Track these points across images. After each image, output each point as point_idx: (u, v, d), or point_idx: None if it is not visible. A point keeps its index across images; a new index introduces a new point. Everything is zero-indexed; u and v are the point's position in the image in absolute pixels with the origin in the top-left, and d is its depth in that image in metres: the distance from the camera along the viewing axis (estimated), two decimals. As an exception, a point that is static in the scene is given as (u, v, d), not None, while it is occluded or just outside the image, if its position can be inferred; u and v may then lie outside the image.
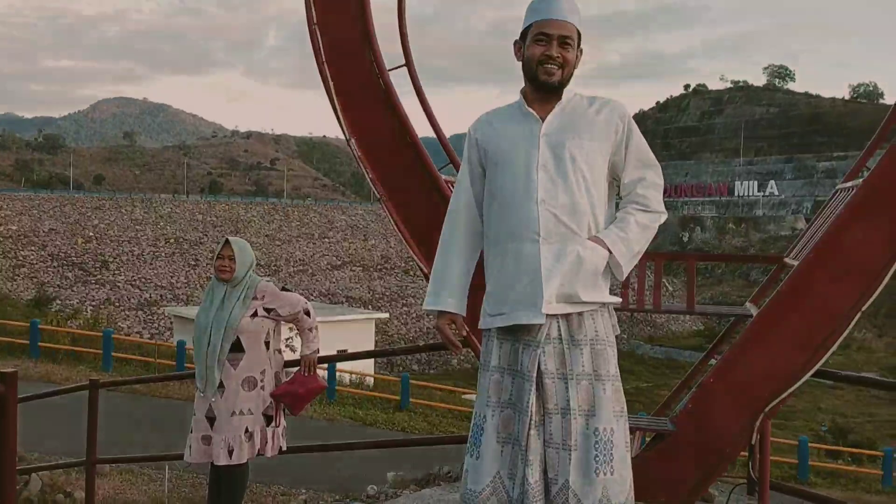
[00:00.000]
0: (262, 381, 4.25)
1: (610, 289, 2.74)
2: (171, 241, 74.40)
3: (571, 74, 2.70)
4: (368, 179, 3.70)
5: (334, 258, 78.66)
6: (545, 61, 2.65)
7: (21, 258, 65.13)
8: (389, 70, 3.87)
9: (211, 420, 4.19)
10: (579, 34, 2.70)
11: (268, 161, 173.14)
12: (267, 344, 4.32)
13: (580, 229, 2.62)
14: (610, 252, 2.63)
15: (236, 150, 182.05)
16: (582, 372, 2.59)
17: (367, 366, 30.65)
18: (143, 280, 67.43)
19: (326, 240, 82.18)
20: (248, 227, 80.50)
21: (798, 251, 3.97)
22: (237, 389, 4.18)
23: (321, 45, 3.69)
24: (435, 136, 4.24)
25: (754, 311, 3.65)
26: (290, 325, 4.53)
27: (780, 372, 3.29)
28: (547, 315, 2.58)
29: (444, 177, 3.76)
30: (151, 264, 70.25)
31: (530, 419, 2.57)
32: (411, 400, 21.26)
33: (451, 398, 24.28)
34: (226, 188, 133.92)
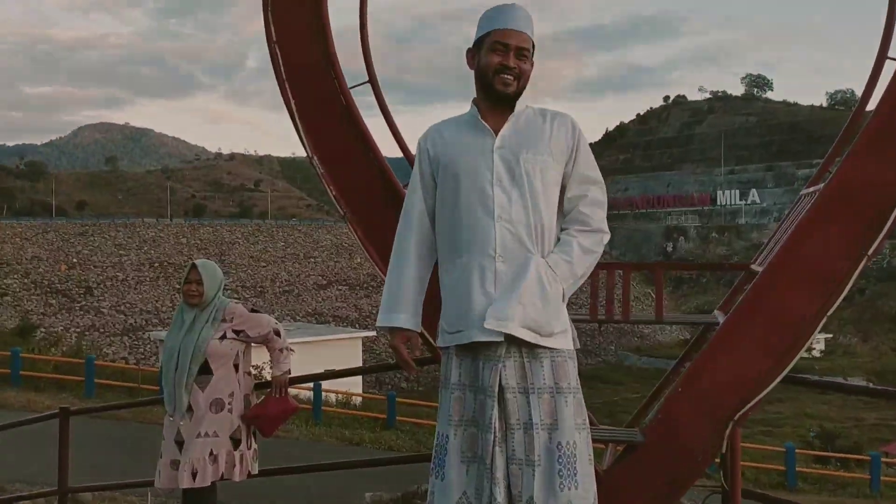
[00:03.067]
0: (230, 403, 4.20)
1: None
2: (156, 265, 74.07)
3: (525, 86, 2.68)
4: (332, 197, 3.68)
5: (320, 278, 78.53)
6: (502, 71, 2.62)
7: (4, 287, 64.62)
8: (353, 87, 3.86)
9: (180, 444, 4.14)
10: (534, 46, 2.68)
11: (252, 183, 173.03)
12: (236, 366, 4.28)
13: (536, 247, 2.60)
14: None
15: (220, 173, 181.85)
16: (543, 385, 2.56)
17: (354, 384, 30.51)
18: (127, 305, 67.06)
19: (312, 259, 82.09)
20: (233, 249, 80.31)
21: (763, 258, 3.98)
22: (205, 412, 4.14)
23: (281, 63, 3.68)
24: (402, 154, 4.22)
25: (722, 319, 3.65)
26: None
27: (748, 379, 3.28)
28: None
29: (408, 192, 3.74)
30: (136, 289, 69.89)
31: (494, 436, 2.52)
32: (398, 418, 21.13)
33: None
34: (210, 211, 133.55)
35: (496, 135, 2.65)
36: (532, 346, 2.57)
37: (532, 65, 2.70)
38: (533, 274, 2.55)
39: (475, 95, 2.74)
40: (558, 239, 2.68)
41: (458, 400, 2.64)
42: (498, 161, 2.62)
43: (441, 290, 2.73)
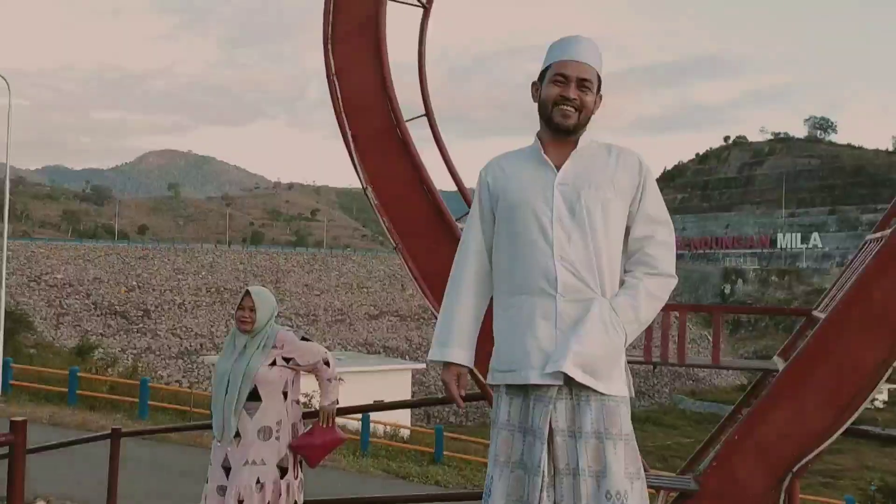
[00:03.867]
0: (277, 431, 4.20)
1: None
2: (213, 290, 75.26)
3: (588, 119, 2.60)
4: (384, 227, 3.69)
5: (372, 308, 78.91)
6: (561, 102, 2.55)
7: (65, 307, 66.30)
8: (409, 120, 3.88)
9: (227, 470, 4.14)
10: (600, 79, 2.61)
11: (309, 212, 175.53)
12: (285, 394, 4.27)
13: (597, 287, 2.50)
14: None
15: (278, 201, 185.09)
16: (591, 430, 2.46)
17: (402, 417, 30.42)
18: (183, 329, 68.16)
19: (364, 290, 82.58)
20: (288, 277, 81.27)
21: (826, 304, 3.85)
22: (253, 439, 4.14)
23: (339, 95, 3.72)
24: (456, 187, 4.22)
25: (781, 366, 3.53)
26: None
27: (808, 430, 3.16)
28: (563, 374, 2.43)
29: (460, 225, 3.73)
30: (192, 313, 71.04)
31: (542, 480, 2.42)
32: (446, 453, 20.96)
33: (487, 451, 23.88)
34: (267, 238, 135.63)
35: (558, 170, 2.58)
36: (584, 389, 2.47)
37: (598, 98, 2.62)
38: (596, 316, 2.46)
39: (539, 129, 2.68)
40: (622, 281, 2.59)
41: (505, 441, 2.56)
42: (558, 197, 2.53)
43: (494, 327, 2.65)
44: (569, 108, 2.55)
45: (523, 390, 2.54)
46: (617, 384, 2.51)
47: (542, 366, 2.46)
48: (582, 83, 2.56)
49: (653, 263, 2.56)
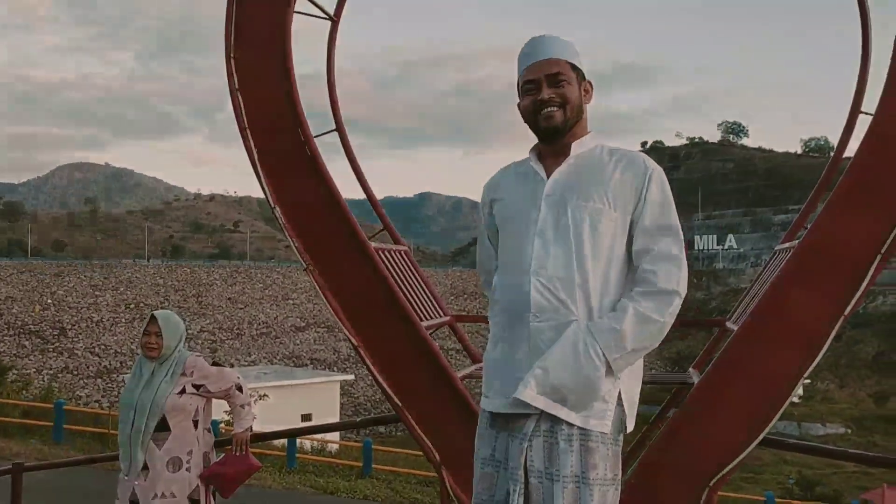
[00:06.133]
0: (188, 461, 4.02)
1: None
2: (132, 306, 73.22)
3: (578, 114, 2.39)
4: (294, 248, 3.57)
5: (298, 320, 77.92)
6: (540, 108, 2.36)
7: (-25, 327, 63.61)
8: (320, 135, 3.77)
9: (134, 504, 3.95)
10: (577, 68, 2.40)
11: (231, 223, 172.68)
12: (195, 423, 4.10)
13: (579, 309, 2.27)
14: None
15: (199, 214, 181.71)
16: (569, 473, 2.22)
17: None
18: (102, 347, 66.11)
19: (290, 301, 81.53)
20: (210, 290, 79.71)
21: (739, 315, 3.89)
22: (161, 471, 3.95)
23: (243, 111, 3.58)
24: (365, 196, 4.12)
25: (696, 379, 3.53)
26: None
27: (724, 443, 3.16)
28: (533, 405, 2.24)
29: (374, 244, 3.64)
30: (111, 330, 68.99)
31: None
32: (375, 466, 20.76)
33: (417, 463, 23.79)
34: (188, 252, 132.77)
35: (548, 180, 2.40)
36: (563, 424, 2.24)
37: (581, 88, 2.42)
38: (568, 340, 2.23)
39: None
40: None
41: (484, 477, 2.38)
42: (545, 210, 2.33)
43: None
44: (549, 108, 2.36)
45: (505, 421, 2.34)
46: (598, 419, 2.26)
47: (510, 394, 2.27)
48: (554, 78, 2.37)
49: (650, 279, 2.28)
